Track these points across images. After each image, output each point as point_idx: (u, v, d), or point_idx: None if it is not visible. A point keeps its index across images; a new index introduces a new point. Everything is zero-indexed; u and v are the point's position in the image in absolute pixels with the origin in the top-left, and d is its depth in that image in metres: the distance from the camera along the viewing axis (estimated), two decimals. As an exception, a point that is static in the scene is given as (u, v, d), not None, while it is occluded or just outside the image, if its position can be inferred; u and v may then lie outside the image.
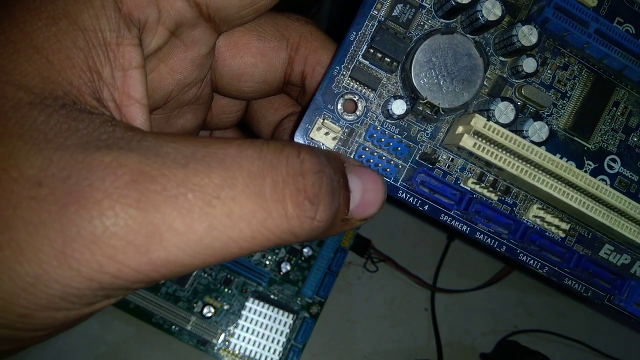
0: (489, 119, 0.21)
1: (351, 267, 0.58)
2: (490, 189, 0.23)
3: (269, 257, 0.54)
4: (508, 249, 0.24)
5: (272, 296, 0.52)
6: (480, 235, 0.23)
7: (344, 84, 0.23)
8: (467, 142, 0.20)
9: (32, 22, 0.16)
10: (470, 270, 0.61)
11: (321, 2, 0.52)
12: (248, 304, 0.51)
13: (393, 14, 0.22)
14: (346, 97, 0.22)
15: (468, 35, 0.22)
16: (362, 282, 0.58)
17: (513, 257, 0.24)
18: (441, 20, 0.23)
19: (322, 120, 0.22)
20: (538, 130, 0.21)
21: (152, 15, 0.19)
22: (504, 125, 0.21)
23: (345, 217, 0.18)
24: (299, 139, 0.22)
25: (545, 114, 0.24)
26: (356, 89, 0.23)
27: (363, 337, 0.56)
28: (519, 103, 0.24)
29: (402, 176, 0.23)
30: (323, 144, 0.22)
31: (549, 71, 0.24)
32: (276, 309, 0.51)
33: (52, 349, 0.49)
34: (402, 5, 0.22)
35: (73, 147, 0.14)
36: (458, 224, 0.23)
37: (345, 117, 0.22)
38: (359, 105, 0.22)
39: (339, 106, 0.22)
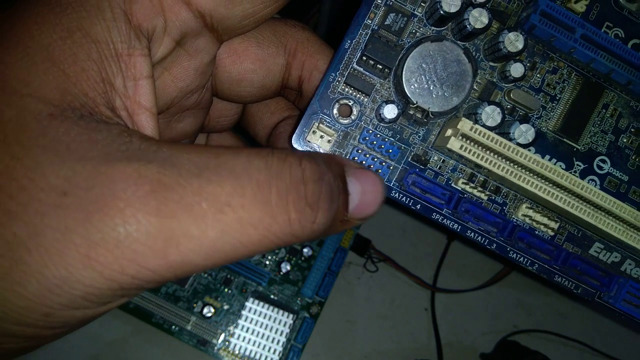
0: (476, 122, 0.22)
1: (351, 267, 0.58)
2: (480, 189, 0.24)
3: (269, 257, 0.54)
4: (498, 246, 0.24)
5: (272, 296, 0.53)
6: (471, 233, 0.24)
7: (339, 89, 0.23)
8: (455, 144, 0.21)
9: (48, 34, 0.16)
10: (470, 270, 0.61)
11: (321, 2, 0.52)
12: (248, 304, 0.51)
13: (386, 23, 0.23)
14: (341, 102, 0.23)
15: (459, 42, 0.23)
16: (362, 282, 0.58)
17: (503, 254, 0.24)
18: (432, 28, 0.23)
19: (318, 125, 0.23)
20: (524, 132, 0.22)
21: (159, 26, 0.20)
22: (490, 128, 0.22)
23: (344, 218, 0.19)
24: (296, 142, 0.23)
25: (535, 116, 0.25)
26: (351, 94, 0.23)
27: (363, 337, 0.56)
28: (508, 106, 0.24)
29: (395, 177, 0.24)
30: (319, 147, 0.23)
31: (538, 75, 0.25)
32: (276, 309, 0.52)
33: (52, 347, 0.49)
34: (394, 14, 0.23)
35: (95, 158, 0.15)
36: (449, 223, 0.24)
37: (341, 121, 0.23)
38: (354, 109, 0.23)
39: (335, 111, 0.23)
